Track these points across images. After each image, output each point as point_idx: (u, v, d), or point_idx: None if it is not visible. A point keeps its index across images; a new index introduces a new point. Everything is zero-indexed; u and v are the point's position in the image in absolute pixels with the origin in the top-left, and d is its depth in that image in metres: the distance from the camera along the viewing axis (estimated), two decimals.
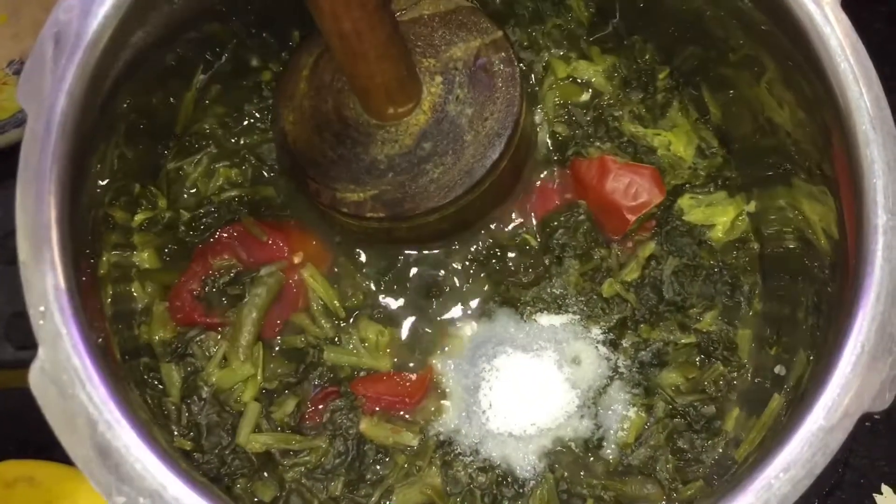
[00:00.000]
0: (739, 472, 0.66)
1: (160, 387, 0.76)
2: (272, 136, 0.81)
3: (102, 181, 0.70)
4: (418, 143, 0.74)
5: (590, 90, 0.85)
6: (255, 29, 0.81)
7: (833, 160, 0.66)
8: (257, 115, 0.84)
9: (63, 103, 0.59)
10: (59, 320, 0.56)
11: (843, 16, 0.63)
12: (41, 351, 0.56)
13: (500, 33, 0.76)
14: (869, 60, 0.63)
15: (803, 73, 0.67)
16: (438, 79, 0.75)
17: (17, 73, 0.94)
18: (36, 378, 0.55)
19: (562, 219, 0.81)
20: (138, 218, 0.79)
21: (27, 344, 0.57)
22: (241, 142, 0.84)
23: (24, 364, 0.56)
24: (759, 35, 0.71)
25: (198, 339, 0.77)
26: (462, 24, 0.77)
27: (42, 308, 0.57)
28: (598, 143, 0.83)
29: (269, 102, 0.84)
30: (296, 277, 0.79)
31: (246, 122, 0.84)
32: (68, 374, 0.55)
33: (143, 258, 0.78)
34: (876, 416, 0.89)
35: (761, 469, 0.56)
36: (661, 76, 0.84)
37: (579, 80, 0.85)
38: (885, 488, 0.87)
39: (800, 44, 0.65)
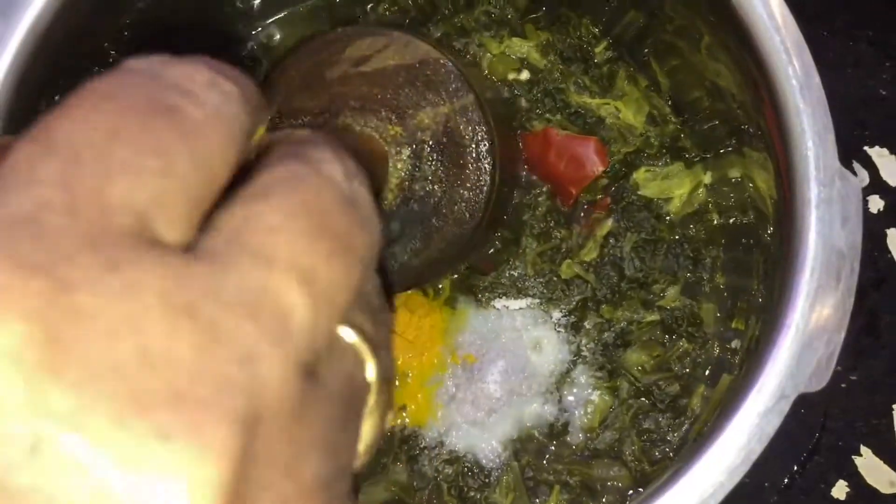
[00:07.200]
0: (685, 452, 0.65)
1: None
2: None
3: None
4: (387, 224, 0.68)
5: (527, 66, 0.83)
6: None
7: (769, 128, 0.65)
8: None
9: None
10: None
11: None
12: None
13: (471, 97, 0.68)
14: (798, 31, 0.61)
15: (734, 43, 0.65)
16: (406, 151, 0.68)
17: None
18: None
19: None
20: None
21: None
22: None
23: None
24: (688, 4, 0.69)
25: None
26: (430, 83, 0.68)
27: None
28: (547, 115, 0.81)
29: None
30: None
31: None
32: None
33: None
34: (852, 377, 0.88)
35: (698, 457, 0.56)
36: (597, 50, 0.82)
37: (513, 57, 0.83)
38: (864, 449, 0.85)
39: (726, 15, 0.63)
